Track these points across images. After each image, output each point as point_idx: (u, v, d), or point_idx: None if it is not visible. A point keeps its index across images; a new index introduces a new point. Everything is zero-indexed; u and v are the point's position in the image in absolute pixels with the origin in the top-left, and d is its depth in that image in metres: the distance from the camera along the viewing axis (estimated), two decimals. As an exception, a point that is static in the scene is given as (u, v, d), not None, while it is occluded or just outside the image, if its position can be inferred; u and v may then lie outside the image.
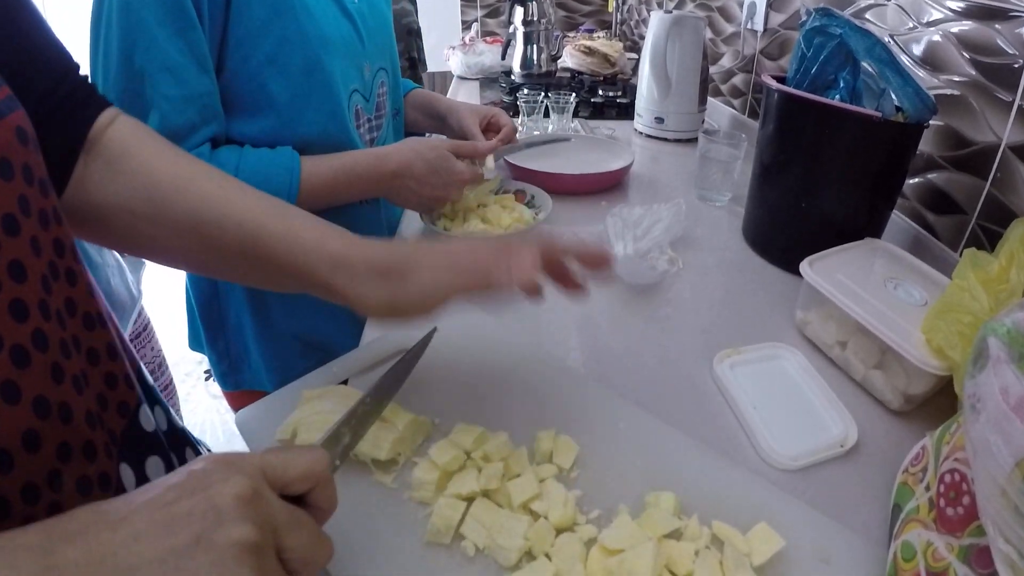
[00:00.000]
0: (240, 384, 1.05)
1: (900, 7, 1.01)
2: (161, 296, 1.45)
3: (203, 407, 2.62)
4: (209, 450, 0.73)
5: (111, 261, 1.27)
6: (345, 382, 0.68)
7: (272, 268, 0.58)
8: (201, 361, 2.80)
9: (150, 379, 0.61)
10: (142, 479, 0.52)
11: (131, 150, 0.57)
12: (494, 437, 0.58)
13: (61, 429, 0.42)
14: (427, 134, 1.24)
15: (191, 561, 0.32)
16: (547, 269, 0.57)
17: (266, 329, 0.99)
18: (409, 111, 1.19)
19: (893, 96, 0.82)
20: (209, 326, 1.01)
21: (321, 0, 0.84)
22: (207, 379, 2.73)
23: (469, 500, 0.53)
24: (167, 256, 0.61)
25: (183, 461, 0.62)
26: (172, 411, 0.63)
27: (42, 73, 0.53)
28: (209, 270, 0.62)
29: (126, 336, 0.60)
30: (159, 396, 0.61)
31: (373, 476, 0.56)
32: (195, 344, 1.06)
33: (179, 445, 0.62)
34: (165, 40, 0.72)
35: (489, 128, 1.15)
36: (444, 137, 1.09)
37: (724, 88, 1.77)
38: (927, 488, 0.49)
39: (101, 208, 0.57)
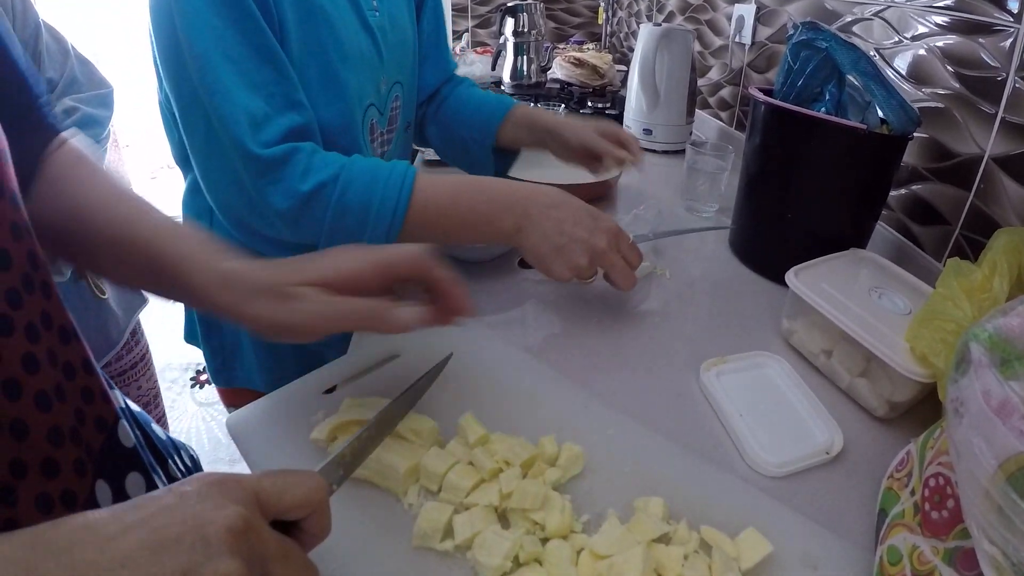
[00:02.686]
0: (232, 381, 1.04)
1: (885, 21, 1.02)
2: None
3: (188, 414, 2.60)
4: (193, 455, 0.73)
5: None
6: (333, 388, 0.67)
7: (175, 286, 0.58)
8: (187, 368, 2.79)
9: (133, 406, 0.61)
10: (120, 496, 0.51)
11: (66, 173, 0.59)
12: (506, 439, 0.58)
13: (14, 446, 0.41)
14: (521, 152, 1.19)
15: None
16: (426, 289, 0.59)
17: None
18: (509, 128, 1.10)
19: (878, 109, 0.83)
20: (204, 321, 1.01)
21: (344, 13, 0.83)
22: (192, 386, 2.71)
23: (493, 508, 0.52)
24: (96, 268, 0.63)
25: (167, 473, 0.61)
26: (153, 424, 0.63)
27: (10, 99, 0.54)
28: (130, 284, 0.63)
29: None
30: (142, 417, 0.62)
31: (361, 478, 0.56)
32: (190, 338, 1.06)
33: (162, 457, 0.61)
34: (223, 28, 0.70)
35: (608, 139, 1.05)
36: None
37: (712, 100, 1.79)
38: (912, 493, 0.49)
39: (42, 227, 0.56)
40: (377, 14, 0.90)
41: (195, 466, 0.72)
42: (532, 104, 1.61)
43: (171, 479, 0.62)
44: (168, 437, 0.68)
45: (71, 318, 0.50)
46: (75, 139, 0.62)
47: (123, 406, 0.59)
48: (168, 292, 0.60)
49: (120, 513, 0.34)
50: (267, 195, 0.73)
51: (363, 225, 0.74)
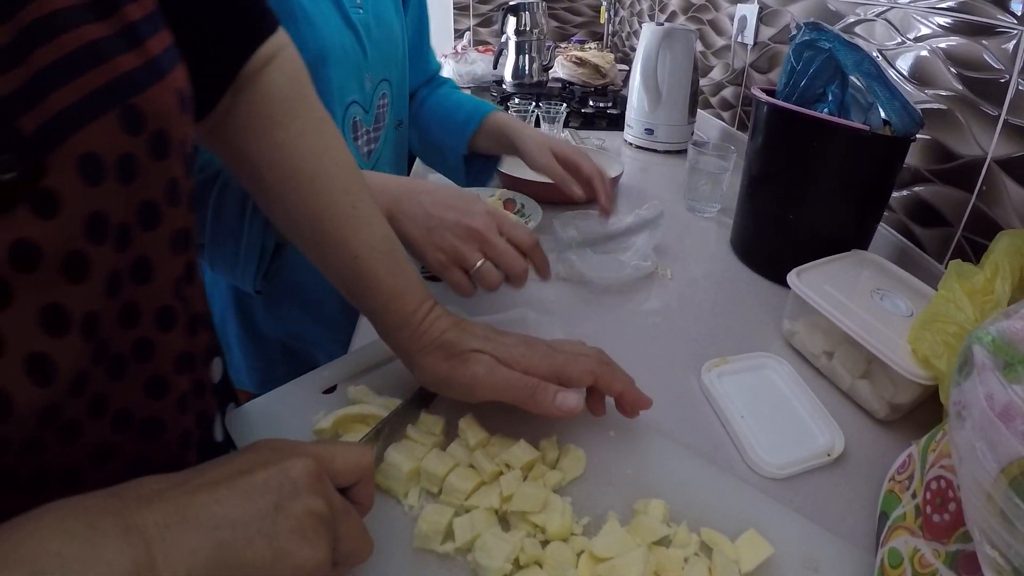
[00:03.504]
0: None
1: (888, 22, 1.02)
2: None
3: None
4: None
5: None
6: (333, 388, 0.67)
7: (362, 303, 0.60)
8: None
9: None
10: None
11: (279, 118, 0.56)
12: (507, 442, 0.58)
13: (142, 445, 0.41)
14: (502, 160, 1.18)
15: (271, 525, 0.33)
16: (588, 391, 0.61)
17: (249, 330, 0.99)
18: (483, 138, 1.09)
19: (880, 110, 0.83)
20: None
21: (324, 11, 0.83)
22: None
23: (494, 511, 0.52)
24: (277, 221, 0.62)
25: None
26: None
27: None
28: (307, 256, 0.62)
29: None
30: (235, 392, 0.62)
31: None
32: None
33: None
34: None
35: (567, 170, 0.99)
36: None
37: (714, 101, 1.79)
38: (913, 495, 0.49)
39: (237, 157, 0.56)
40: (361, 11, 0.90)
41: None
42: (533, 104, 1.60)
43: None
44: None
45: (204, 302, 0.49)
46: (288, 50, 0.58)
47: (218, 380, 0.59)
48: (354, 300, 0.61)
49: (198, 469, 0.35)
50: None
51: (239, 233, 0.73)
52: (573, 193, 0.97)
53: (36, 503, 0.30)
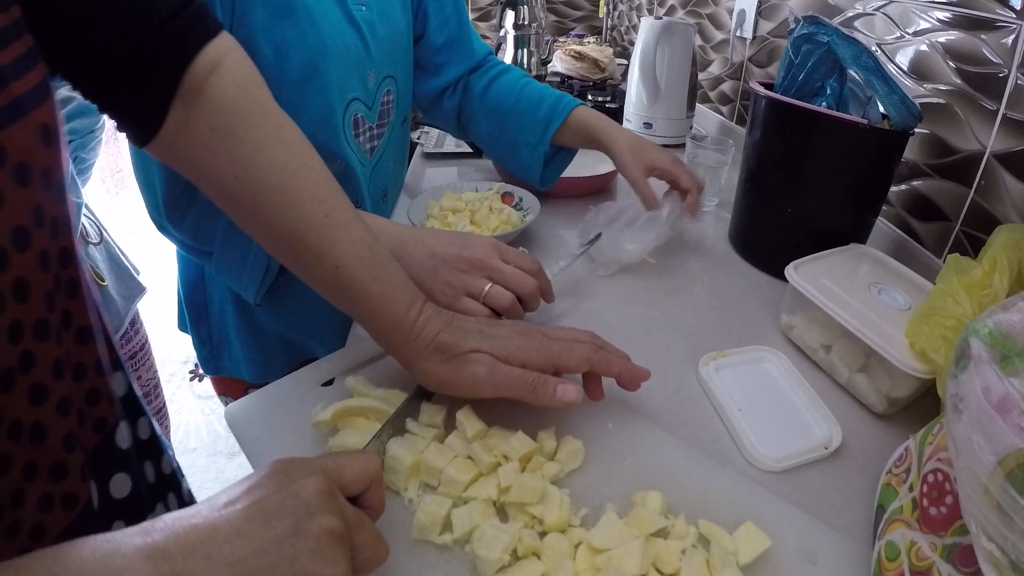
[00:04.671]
0: (219, 370, 1.05)
1: (887, 16, 1.02)
2: (156, 286, 1.43)
3: (187, 408, 2.61)
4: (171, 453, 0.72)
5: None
6: (331, 381, 0.67)
7: (352, 310, 0.60)
8: (186, 361, 2.79)
9: (137, 391, 0.60)
10: (105, 496, 0.51)
11: (237, 131, 0.54)
12: (505, 433, 0.58)
13: (30, 449, 0.41)
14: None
15: (292, 549, 0.35)
16: (585, 376, 0.63)
17: (248, 322, 0.99)
18: (566, 135, 1.07)
19: (879, 104, 0.83)
20: (193, 311, 1.01)
21: (326, 7, 0.83)
22: (191, 379, 2.71)
23: (491, 502, 0.53)
24: (256, 238, 0.61)
25: (158, 471, 0.61)
26: (152, 421, 0.62)
27: (128, 3, 0.48)
28: (289, 267, 0.62)
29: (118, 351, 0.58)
30: (143, 407, 0.60)
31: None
32: (182, 325, 1.06)
33: (154, 454, 0.61)
34: None
35: (666, 180, 1.00)
36: None
37: (712, 95, 1.78)
38: (910, 488, 0.49)
39: (201, 174, 0.56)
40: (364, 8, 0.90)
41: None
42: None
43: (162, 475, 0.62)
44: (160, 438, 0.67)
45: (90, 317, 0.48)
46: (235, 54, 0.55)
47: (123, 394, 0.58)
48: (343, 308, 0.61)
49: (214, 500, 0.36)
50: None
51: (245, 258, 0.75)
52: (650, 207, 0.99)
53: None
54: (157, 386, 1.49)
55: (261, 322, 0.99)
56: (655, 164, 0.99)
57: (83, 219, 1.25)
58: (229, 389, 1.09)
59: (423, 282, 0.73)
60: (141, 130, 0.53)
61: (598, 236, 0.94)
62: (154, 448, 0.61)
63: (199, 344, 1.04)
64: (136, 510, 0.54)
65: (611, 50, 2.24)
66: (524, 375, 0.57)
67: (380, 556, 0.42)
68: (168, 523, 0.34)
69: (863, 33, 1.09)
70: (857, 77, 0.86)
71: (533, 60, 2.14)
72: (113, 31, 0.48)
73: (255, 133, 0.55)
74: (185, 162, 0.56)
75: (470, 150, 1.48)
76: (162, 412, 1.53)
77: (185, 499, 0.65)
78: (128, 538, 0.32)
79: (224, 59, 0.54)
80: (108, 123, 1.31)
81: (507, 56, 2.13)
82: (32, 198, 0.39)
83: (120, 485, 0.53)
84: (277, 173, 0.55)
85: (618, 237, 0.94)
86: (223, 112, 0.54)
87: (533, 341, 0.59)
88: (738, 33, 1.59)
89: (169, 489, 0.62)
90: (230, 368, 1.04)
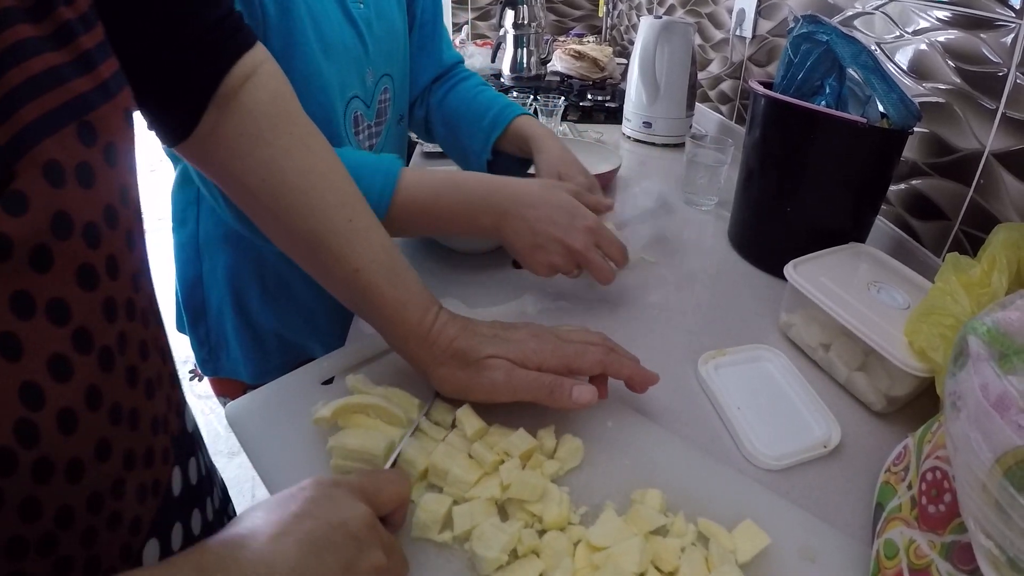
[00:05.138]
0: (218, 371, 1.05)
1: (887, 16, 1.02)
2: (155, 284, 1.43)
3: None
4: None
5: None
6: (331, 380, 0.67)
7: (368, 316, 0.61)
8: (186, 361, 2.78)
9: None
10: (186, 483, 0.52)
11: (265, 136, 0.57)
12: (505, 432, 0.58)
13: (129, 436, 0.42)
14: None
15: None
16: (593, 377, 0.63)
17: (245, 322, 0.99)
18: (507, 143, 1.07)
19: (878, 103, 0.83)
20: (191, 311, 1.01)
21: (326, 6, 0.83)
22: (191, 379, 2.71)
23: (495, 501, 0.53)
24: (276, 241, 0.63)
25: (206, 458, 0.62)
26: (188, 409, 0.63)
27: (180, 7, 0.51)
28: (309, 273, 0.63)
29: None
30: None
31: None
32: (180, 326, 1.06)
33: (200, 442, 0.62)
34: None
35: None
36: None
37: (712, 94, 1.78)
38: (909, 487, 0.49)
39: (226, 176, 0.57)
40: (362, 6, 0.90)
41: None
42: (531, 98, 1.60)
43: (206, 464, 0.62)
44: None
45: (156, 300, 0.50)
46: (268, 64, 0.58)
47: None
48: (360, 313, 0.63)
49: (255, 525, 0.36)
50: None
51: None
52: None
53: (41, 492, 0.32)
54: None
55: (259, 322, 0.99)
56: (563, 174, 0.96)
57: None
58: (227, 390, 1.09)
59: (521, 254, 0.79)
60: (175, 131, 0.55)
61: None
62: (194, 441, 0.62)
63: (197, 345, 1.04)
64: (202, 497, 0.55)
65: (611, 49, 2.24)
66: (541, 378, 0.58)
67: (404, 575, 0.44)
68: (222, 555, 0.34)
69: (862, 32, 1.09)
70: (856, 76, 0.86)
71: (533, 59, 2.14)
72: (159, 34, 0.49)
73: (283, 139, 0.57)
74: (212, 164, 0.57)
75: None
76: None
77: (220, 494, 0.65)
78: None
79: (259, 68, 0.57)
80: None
81: (507, 56, 2.13)
82: (119, 178, 0.40)
83: (194, 470, 0.55)
84: (302, 177, 0.58)
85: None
86: (254, 117, 0.56)
87: (548, 344, 0.60)
88: (737, 32, 1.59)
89: (212, 482, 0.62)
90: (228, 369, 1.04)
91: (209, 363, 1.04)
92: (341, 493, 0.40)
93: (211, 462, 0.63)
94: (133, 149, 0.43)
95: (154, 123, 0.55)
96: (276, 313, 0.99)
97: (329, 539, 0.36)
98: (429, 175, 0.80)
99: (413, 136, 1.53)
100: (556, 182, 0.84)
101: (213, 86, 0.54)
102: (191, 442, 0.55)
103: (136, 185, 0.44)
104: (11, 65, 0.32)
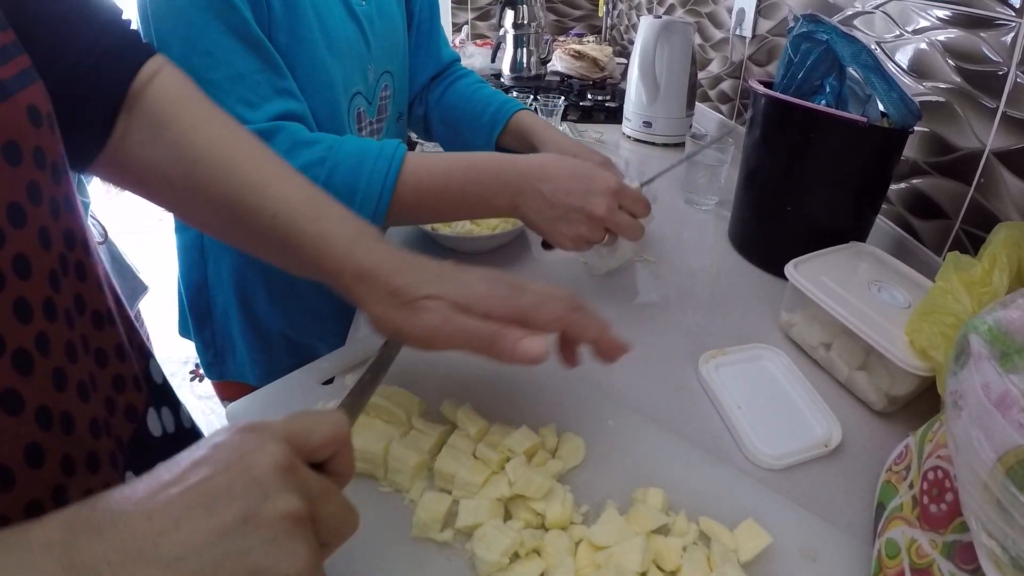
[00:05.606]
0: (224, 375, 1.04)
1: (887, 15, 1.02)
2: (154, 287, 1.43)
3: (188, 407, 2.60)
4: None
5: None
6: (331, 380, 0.67)
7: (301, 262, 0.57)
8: (186, 361, 2.78)
9: (162, 376, 0.59)
10: None
11: (171, 117, 0.56)
12: (507, 430, 0.58)
13: (64, 440, 0.40)
14: None
15: (242, 541, 0.29)
16: (558, 341, 0.57)
17: (252, 324, 0.99)
18: (508, 139, 1.06)
19: (878, 102, 0.83)
20: (196, 315, 1.00)
21: (329, 2, 0.83)
22: (192, 379, 2.71)
23: (503, 501, 0.53)
24: (202, 226, 0.62)
25: None
26: (182, 408, 0.62)
27: (81, 27, 0.51)
28: (242, 247, 0.61)
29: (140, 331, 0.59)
30: (171, 394, 0.60)
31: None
32: (184, 331, 1.06)
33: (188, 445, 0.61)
34: (200, 21, 0.70)
35: None
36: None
37: (712, 93, 1.78)
38: (910, 486, 0.49)
39: (140, 170, 0.56)
40: (364, 3, 0.90)
41: None
42: (531, 97, 1.60)
43: None
44: (195, 428, 0.66)
45: (107, 300, 0.49)
46: (169, 67, 0.59)
47: (160, 383, 0.58)
48: (294, 266, 0.59)
49: (155, 477, 0.31)
50: None
51: (350, 208, 0.73)
52: None
53: None
54: None
55: (266, 324, 0.99)
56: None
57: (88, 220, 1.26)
58: (234, 394, 1.09)
59: (543, 229, 0.76)
60: (90, 142, 0.54)
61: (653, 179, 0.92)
62: (193, 439, 0.60)
63: (203, 349, 1.04)
64: None
65: (610, 49, 2.24)
66: (481, 326, 0.51)
67: (349, 527, 0.37)
68: (98, 510, 0.29)
69: (862, 31, 1.09)
70: (856, 75, 0.86)
71: (532, 59, 2.14)
72: (70, 46, 0.50)
73: (187, 116, 0.56)
74: (125, 168, 0.57)
75: (469, 149, 1.47)
76: None
77: None
78: (45, 549, 0.27)
79: (161, 69, 0.57)
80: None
81: (507, 56, 2.13)
82: (24, 176, 0.39)
83: None
84: (211, 146, 0.56)
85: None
86: (160, 105, 0.56)
87: (499, 290, 0.53)
88: (737, 32, 1.59)
89: None
90: (235, 372, 1.03)
91: (215, 366, 1.04)
92: (252, 436, 0.33)
93: None
94: (50, 147, 0.42)
95: (68, 141, 0.52)
96: (283, 314, 0.99)
97: (227, 486, 0.30)
98: (436, 158, 0.78)
99: (413, 136, 1.53)
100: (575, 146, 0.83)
101: (124, 89, 0.54)
102: (160, 448, 0.53)
103: (60, 183, 0.43)
104: None
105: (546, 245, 0.83)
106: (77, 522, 0.28)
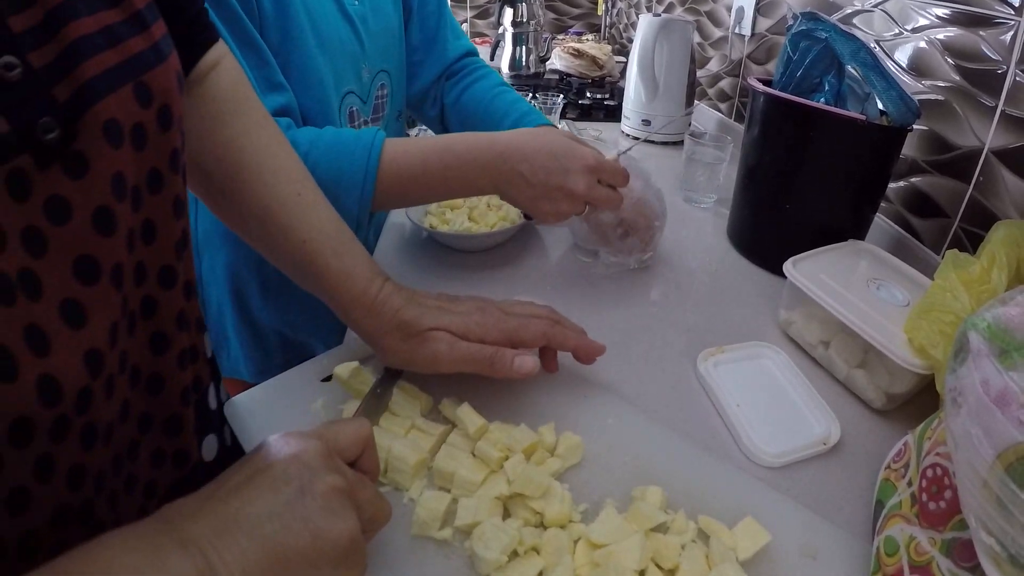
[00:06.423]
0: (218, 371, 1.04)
1: (886, 13, 1.02)
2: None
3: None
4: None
5: None
6: (330, 377, 0.67)
7: (314, 286, 0.63)
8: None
9: (210, 351, 0.63)
10: (197, 458, 0.54)
11: (227, 118, 0.59)
12: (506, 428, 0.58)
13: (147, 400, 0.44)
14: None
15: (302, 509, 0.36)
16: (540, 350, 0.65)
17: (246, 320, 0.99)
18: None
19: (877, 100, 0.83)
20: None
21: (321, 2, 0.83)
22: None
23: (502, 499, 0.53)
24: (225, 219, 0.64)
25: (234, 438, 0.64)
26: (222, 384, 0.65)
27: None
28: (258, 250, 0.65)
29: None
30: (217, 369, 0.64)
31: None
32: None
33: (224, 421, 0.64)
34: None
35: None
36: None
37: (711, 92, 1.78)
38: (909, 484, 0.49)
39: (188, 156, 0.58)
40: (357, 3, 0.90)
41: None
42: (530, 96, 1.60)
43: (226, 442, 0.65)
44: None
45: (194, 273, 0.51)
46: (229, 57, 0.61)
47: (209, 355, 0.61)
48: (302, 283, 0.64)
49: (220, 481, 0.38)
50: None
51: (335, 199, 0.72)
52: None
53: (87, 457, 0.35)
54: None
55: (260, 320, 0.99)
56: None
57: None
58: (228, 390, 1.09)
59: (525, 206, 0.80)
60: None
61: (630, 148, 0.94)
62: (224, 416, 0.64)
63: None
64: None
65: (610, 47, 2.24)
66: (482, 349, 0.59)
67: (384, 515, 0.43)
68: (190, 506, 0.35)
69: (861, 30, 1.09)
70: (855, 73, 0.86)
71: (531, 57, 2.14)
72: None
73: (241, 120, 0.60)
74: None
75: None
76: None
77: None
78: (157, 532, 0.33)
79: (222, 60, 0.60)
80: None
81: (506, 54, 2.13)
82: (172, 142, 0.41)
83: (209, 447, 0.56)
84: (257, 155, 0.60)
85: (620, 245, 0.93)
86: (216, 101, 0.58)
87: (490, 317, 0.62)
88: (737, 30, 1.59)
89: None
90: (229, 368, 1.03)
91: None
92: (293, 438, 0.41)
93: (230, 445, 0.65)
94: (181, 116, 0.44)
95: None
96: (277, 310, 0.99)
97: (283, 471, 0.37)
98: (414, 142, 0.79)
99: (412, 134, 1.53)
100: (546, 128, 0.83)
101: (186, 72, 0.55)
102: (211, 421, 0.58)
103: (183, 147, 0.45)
104: (66, 21, 0.33)
105: (527, 216, 0.84)
106: (171, 514, 0.35)
